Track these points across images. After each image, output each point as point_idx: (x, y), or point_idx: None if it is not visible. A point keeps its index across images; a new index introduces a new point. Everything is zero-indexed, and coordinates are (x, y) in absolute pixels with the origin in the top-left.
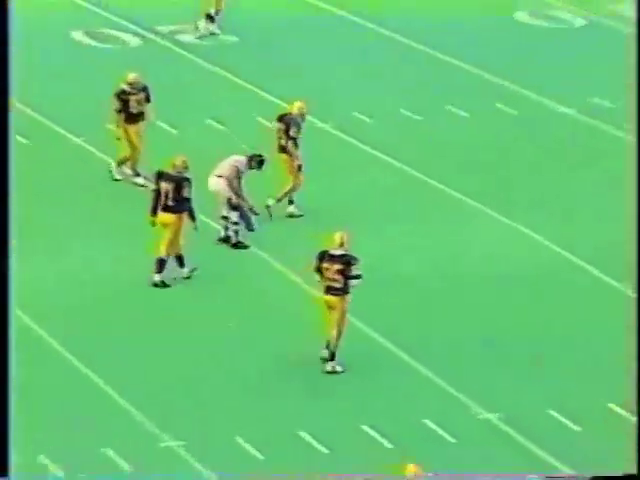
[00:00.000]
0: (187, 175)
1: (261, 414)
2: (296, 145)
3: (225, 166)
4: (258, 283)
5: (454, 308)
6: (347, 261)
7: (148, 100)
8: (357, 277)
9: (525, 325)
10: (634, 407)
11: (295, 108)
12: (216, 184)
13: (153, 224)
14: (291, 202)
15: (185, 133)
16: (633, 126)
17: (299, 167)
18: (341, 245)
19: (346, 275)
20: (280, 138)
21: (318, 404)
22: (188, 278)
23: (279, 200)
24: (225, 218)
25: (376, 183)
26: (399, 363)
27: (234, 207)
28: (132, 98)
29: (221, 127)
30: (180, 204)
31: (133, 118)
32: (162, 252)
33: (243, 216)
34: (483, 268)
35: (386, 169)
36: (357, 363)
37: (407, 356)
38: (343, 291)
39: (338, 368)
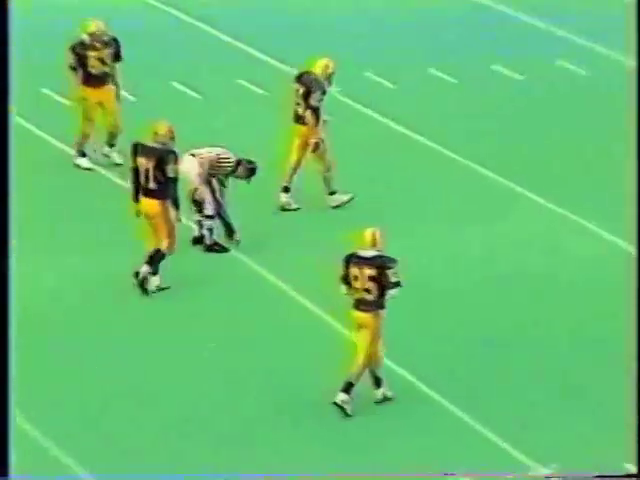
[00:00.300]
0: (172, 147)
1: (248, 463)
2: (317, 116)
3: (204, 152)
4: (243, 298)
5: (506, 330)
6: (381, 264)
7: (117, 58)
8: (395, 285)
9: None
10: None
11: (319, 67)
12: (186, 163)
13: (138, 214)
14: (287, 190)
15: (145, 101)
16: None
17: (316, 145)
18: (373, 245)
19: (381, 283)
20: (297, 104)
21: (321, 450)
22: (152, 292)
23: (333, 192)
24: (199, 211)
25: (398, 166)
26: (428, 401)
27: (198, 203)
28: (91, 54)
29: (194, 95)
30: (165, 186)
31: (94, 81)
32: (164, 245)
33: (221, 213)
34: (546, 267)
35: (411, 148)
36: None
37: (438, 395)
38: (377, 305)
39: (347, 408)
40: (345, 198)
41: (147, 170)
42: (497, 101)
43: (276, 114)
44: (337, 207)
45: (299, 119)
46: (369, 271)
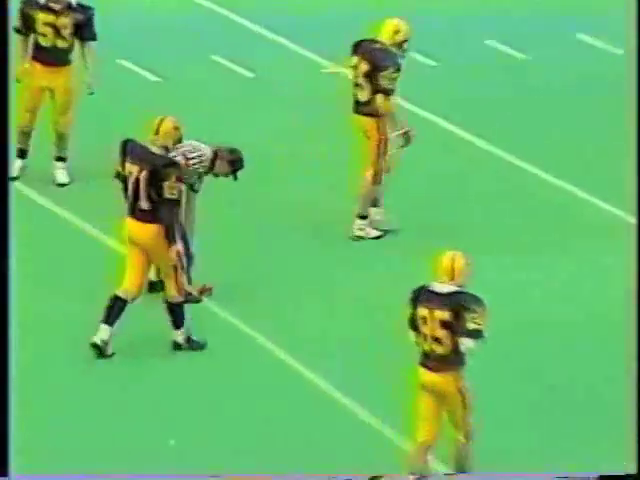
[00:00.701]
0: (174, 155)
1: None
2: (388, 102)
3: None
4: (220, 361)
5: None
6: (458, 305)
7: (86, 34)
8: (474, 335)
9: None
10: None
11: (385, 32)
12: None
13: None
14: (376, 204)
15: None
16: None
17: (408, 135)
18: (451, 276)
19: (457, 330)
20: (357, 86)
21: None
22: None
23: (364, 216)
24: None
25: (444, 174)
26: None
27: None
28: (40, 17)
29: (150, 76)
30: (160, 207)
31: (44, 57)
32: (172, 291)
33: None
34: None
35: (464, 150)
36: None
37: None
38: (450, 361)
39: None
40: (373, 233)
41: (137, 182)
42: (581, 83)
43: (268, 104)
44: (358, 238)
45: (360, 107)
46: (441, 313)
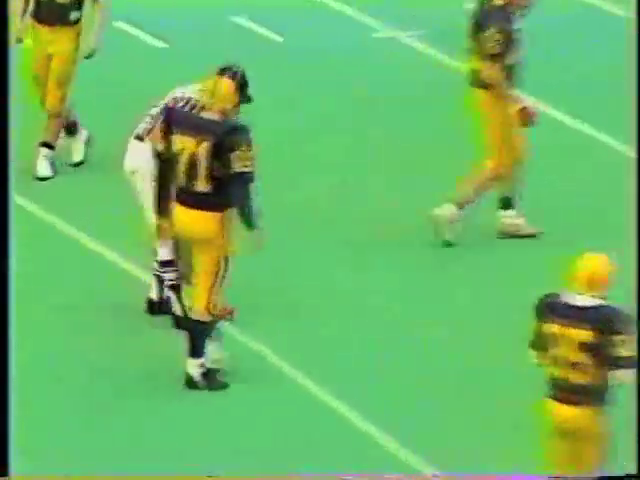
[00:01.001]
0: (240, 121)
1: None
2: (510, 76)
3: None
4: (240, 392)
5: None
6: (603, 323)
7: None
8: (628, 364)
9: None
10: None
11: None
12: (133, 155)
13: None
14: (508, 203)
15: None
16: None
17: (527, 115)
18: (590, 286)
19: (601, 355)
20: (478, 53)
21: None
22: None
23: (509, 204)
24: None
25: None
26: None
27: None
28: None
29: (153, 41)
30: (228, 186)
31: (42, 14)
32: (202, 303)
33: None
34: None
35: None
36: None
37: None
38: (594, 393)
39: None
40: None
41: (193, 158)
42: None
43: (299, 74)
44: (512, 235)
45: (474, 78)
46: (579, 332)
